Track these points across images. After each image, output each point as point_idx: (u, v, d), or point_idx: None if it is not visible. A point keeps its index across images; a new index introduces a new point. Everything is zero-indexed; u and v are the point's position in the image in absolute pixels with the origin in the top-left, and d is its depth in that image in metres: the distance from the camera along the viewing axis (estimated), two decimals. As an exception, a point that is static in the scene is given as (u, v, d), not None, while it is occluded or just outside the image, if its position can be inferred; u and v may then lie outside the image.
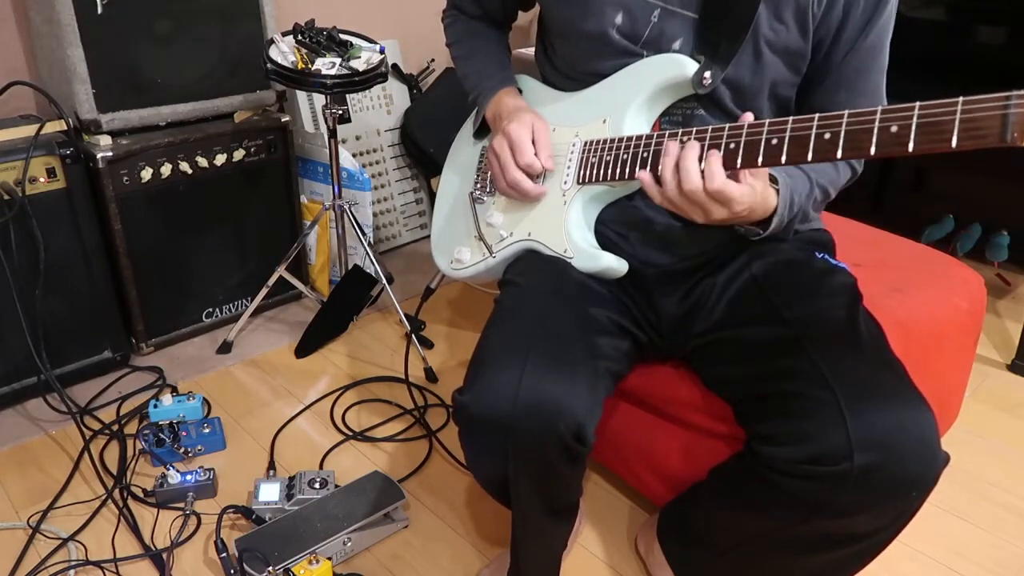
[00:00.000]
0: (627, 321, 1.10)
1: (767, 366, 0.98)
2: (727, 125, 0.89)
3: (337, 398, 1.76)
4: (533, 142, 1.10)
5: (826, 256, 1.11)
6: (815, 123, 0.81)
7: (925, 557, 1.33)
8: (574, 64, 1.11)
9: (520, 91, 1.22)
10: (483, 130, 1.26)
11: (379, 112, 2.44)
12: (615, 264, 1.06)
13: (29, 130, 1.61)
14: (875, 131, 0.76)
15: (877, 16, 0.98)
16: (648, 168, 0.96)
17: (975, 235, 2.20)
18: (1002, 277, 2.28)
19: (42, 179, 1.61)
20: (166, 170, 1.78)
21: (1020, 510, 1.45)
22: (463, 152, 1.32)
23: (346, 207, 1.92)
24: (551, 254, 1.10)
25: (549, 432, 0.90)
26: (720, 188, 0.87)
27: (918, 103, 0.74)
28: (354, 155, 2.35)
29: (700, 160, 0.89)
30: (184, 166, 1.81)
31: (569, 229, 1.08)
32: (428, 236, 2.59)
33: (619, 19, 1.02)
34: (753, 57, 0.99)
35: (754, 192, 0.90)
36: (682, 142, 0.92)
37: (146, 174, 1.75)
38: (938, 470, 0.86)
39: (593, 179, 1.05)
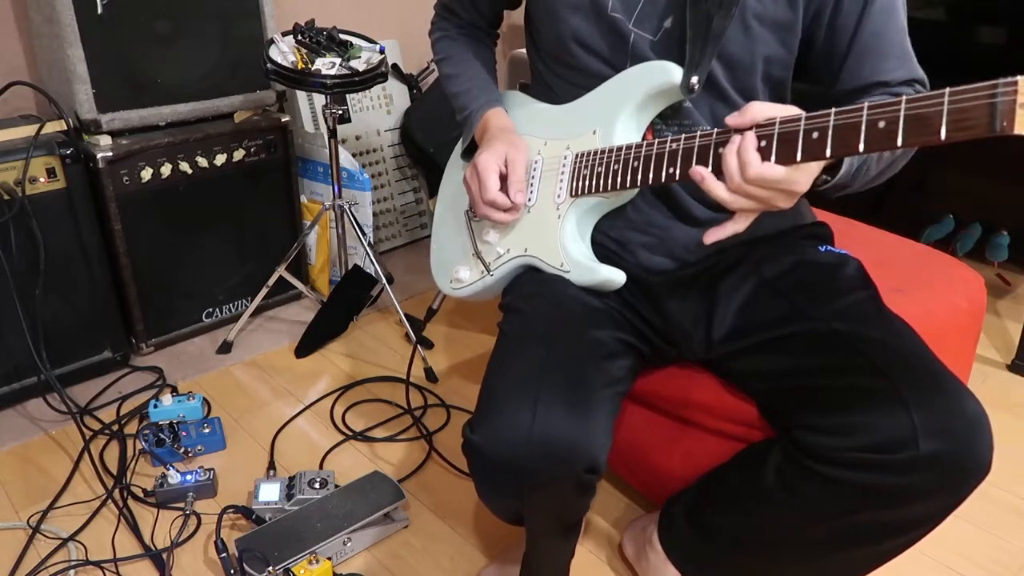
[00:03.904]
0: (633, 337, 1.09)
1: (808, 361, 0.97)
2: (715, 131, 0.88)
3: (337, 398, 1.76)
4: (504, 176, 1.09)
5: (829, 248, 1.11)
6: (802, 123, 0.80)
7: (926, 557, 1.33)
8: (562, 38, 1.09)
9: (506, 111, 1.20)
10: (470, 150, 1.25)
11: (379, 112, 2.44)
12: (612, 276, 1.05)
13: (29, 130, 1.61)
14: (863, 127, 0.75)
15: None
16: (640, 177, 0.96)
17: (975, 235, 2.20)
18: (1002, 277, 2.28)
19: (42, 179, 1.61)
20: (166, 170, 1.78)
21: (1020, 510, 1.45)
22: (456, 172, 1.31)
23: (346, 207, 1.92)
24: (549, 270, 1.08)
25: (563, 471, 0.91)
26: (758, 174, 0.83)
27: (905, 97, 0.73)
28: (354, 155, 2.35)
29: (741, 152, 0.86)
30: (184, 166, 1.81)
31: (565, 243, 1.07)
32: (428, 236, 2.60)
33: None
34: (742, 31, 0.98)
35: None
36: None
37: (146, 174, 1.75)
38: (991, 455, 0.86)
39: (586, 191, 1.04)
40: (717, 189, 0.87)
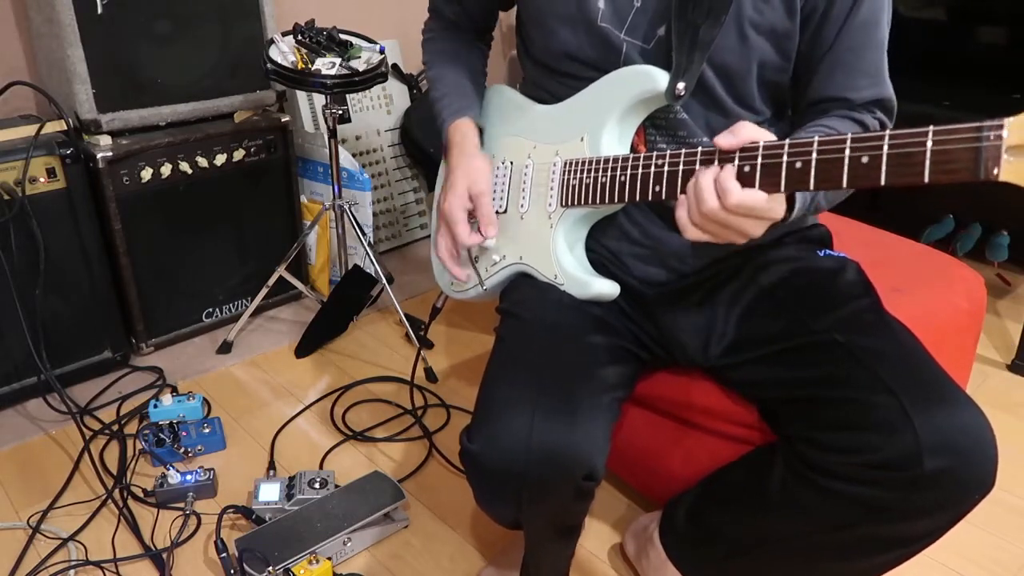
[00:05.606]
0: (631, 344, 1.09)
1: (808, 373, 0.96)
2: (699, 150, 0.86)
3: (337, 398, 1.76)
4: (471, 212, 1.09)
5: (828, 252, 1.10)
6: (786, 150, 0.78)
7: (925, 557, 1.32)
8: (552, 51, 1.08)
9: (480, 129, 1.19)
10: None
11: (379, 112, 2.44)
12: (606, 289, 1.04)
13: (29, 130, 1.61)
14: (846, 161, 0.74)
15: None
16: (628, 194, 0.95)
17: (975, 235, 2.20)
18: (1002, 277, 2.28)
19: (42, 179, 1.61)
20: (166, 170, 1.78)
21: (1020, 510, 1.45)
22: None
23: (346, 207, 1.92)
24: (543, 280, 1.08)
25: (562, 479, 0.90)
26: (739, 202, 0.81)
27: (888, 131, 0.71)
28: (354, 155, 2.35)
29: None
30: (184, 166, 1.81)
31: (558, 254, 1.06)
32: (428, 236, 2.60)
33: (601, 3, 1.00)
34: (738, 40, 0.96)
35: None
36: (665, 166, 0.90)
37: (146, 174, 1.75)
38: (995, 471, 0.85)
39: (575, 203, 1.03)
40: (679, 211, 0.86)
